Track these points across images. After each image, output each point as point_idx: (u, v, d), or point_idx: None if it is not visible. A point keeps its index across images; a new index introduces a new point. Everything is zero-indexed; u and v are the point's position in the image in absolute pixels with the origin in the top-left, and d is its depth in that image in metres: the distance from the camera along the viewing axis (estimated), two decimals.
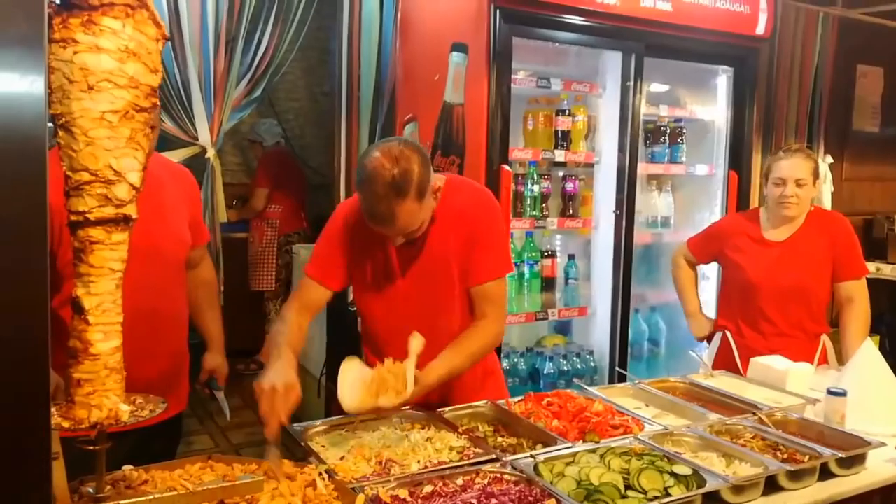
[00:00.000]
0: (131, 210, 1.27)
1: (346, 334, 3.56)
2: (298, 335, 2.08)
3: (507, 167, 3.22)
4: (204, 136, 3.65)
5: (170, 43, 3.43)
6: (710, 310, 3.39)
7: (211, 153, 3.69)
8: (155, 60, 1.29)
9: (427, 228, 2.06)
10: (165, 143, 3.56)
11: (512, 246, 3.47)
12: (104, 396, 1.29)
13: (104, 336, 1.27)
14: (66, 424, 1.25)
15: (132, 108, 1.26)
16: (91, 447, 1.28)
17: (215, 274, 2.53)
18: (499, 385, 2.33)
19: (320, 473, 1.55)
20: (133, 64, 1.25)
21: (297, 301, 2.16)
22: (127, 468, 1.52)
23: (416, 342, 1.86)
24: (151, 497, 1.31)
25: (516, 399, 2.20)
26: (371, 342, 2.24)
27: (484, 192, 2.22)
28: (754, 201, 4.25)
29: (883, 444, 1.94)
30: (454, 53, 3.31)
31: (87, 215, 1.24)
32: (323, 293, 2.17)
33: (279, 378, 1.79)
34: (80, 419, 1.26)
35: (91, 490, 1.31)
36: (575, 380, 3.67)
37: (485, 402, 2.17)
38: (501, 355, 3.47)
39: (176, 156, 3.49)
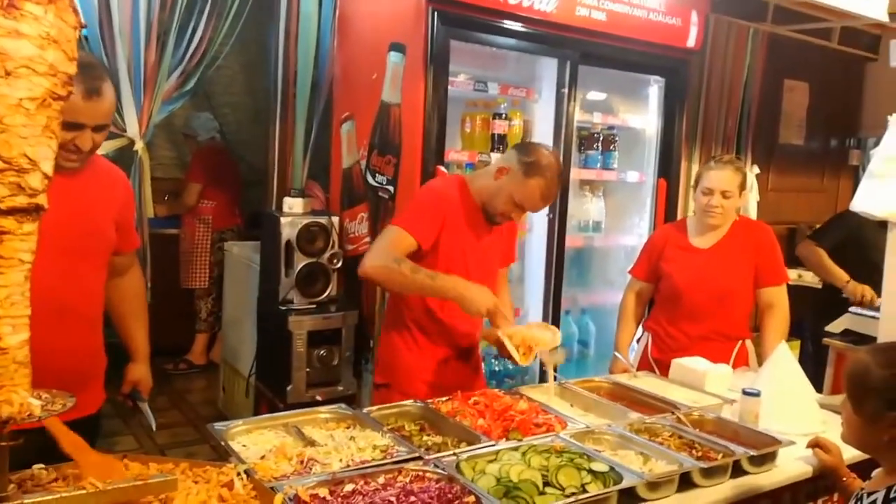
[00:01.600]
0: (43, 200, 1.24)
1: (275, 334, 3.52)
2: None
3: (442, 168, 3.24)
4: (132, 128, 3.55)
5: (98, 31, 3.33)
6: None
7: (139, 146, 3.59)
8: (73, 49, 1.27)
9: None
10: None
11: None
12: (13, 391, 1.25)
13: (13, 329, 1.23)
14: None
15: (50, 95, 1.23)
16: None
17: (144, 283, 2.42)
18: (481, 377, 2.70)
19: (238, 473, 1.53)
20: (53, 51, 1.22)
21: (397, 252, 2.30)
22: (37, 467, 1.47)
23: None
24: (58, 496, 1.26)
25: (443, 399, 2.22)
26: (423, 317, 2.46)
27: None
28: (682, 208, 4.37)
29: (792, 443, 2.02)
30: (392, 53, 3.30)
31: None
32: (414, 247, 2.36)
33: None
34: None
35: None
36: (507, 380, 3.71)
37: (411, 401, 2.18)
38: None
39: (102, 147, 3.38)
